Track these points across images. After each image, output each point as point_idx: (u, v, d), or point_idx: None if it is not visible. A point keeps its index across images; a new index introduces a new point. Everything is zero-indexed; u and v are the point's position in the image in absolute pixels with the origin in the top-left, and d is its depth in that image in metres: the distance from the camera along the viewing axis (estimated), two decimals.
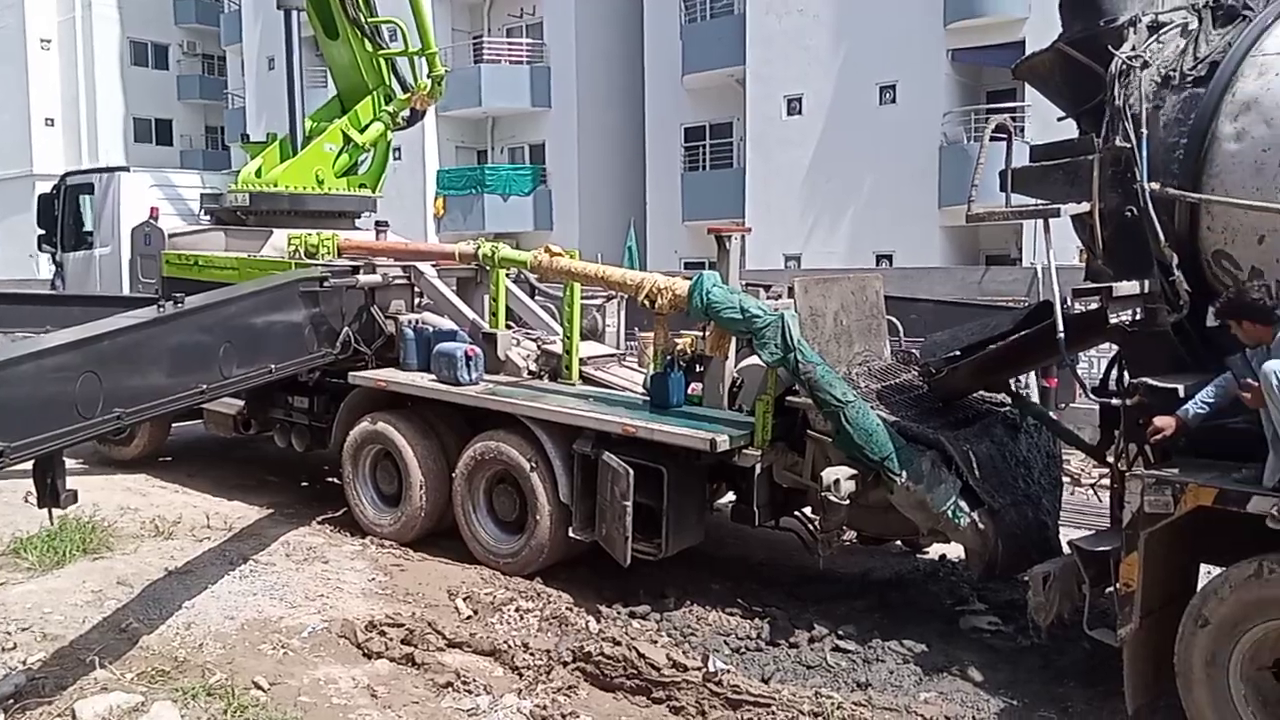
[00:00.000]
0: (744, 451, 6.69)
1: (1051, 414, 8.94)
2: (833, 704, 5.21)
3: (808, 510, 7.20)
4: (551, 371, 8.37)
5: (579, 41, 29.40)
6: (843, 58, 23.99)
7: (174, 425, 11.03)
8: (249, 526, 8.54)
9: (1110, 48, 5.37)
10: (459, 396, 7.85)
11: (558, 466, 7.16)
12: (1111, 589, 4.99)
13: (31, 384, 5.09)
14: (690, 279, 7.09)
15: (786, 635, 6.34)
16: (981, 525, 6.03)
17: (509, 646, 5.96)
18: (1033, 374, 9.62)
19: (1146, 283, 5.17)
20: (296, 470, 10.68)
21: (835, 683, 5.73)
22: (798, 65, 24.55)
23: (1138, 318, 5.25)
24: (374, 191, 11.84)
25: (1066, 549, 5.63)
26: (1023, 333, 6.37)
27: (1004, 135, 6.56)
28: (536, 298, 9.90)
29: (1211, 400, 4.73)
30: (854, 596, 7.11)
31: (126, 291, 10.78)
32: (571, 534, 7.12)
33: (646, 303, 7.34)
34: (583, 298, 8.32)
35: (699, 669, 5.54)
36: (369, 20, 11.22)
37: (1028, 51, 6.45)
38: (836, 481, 6.20)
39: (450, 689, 5.53)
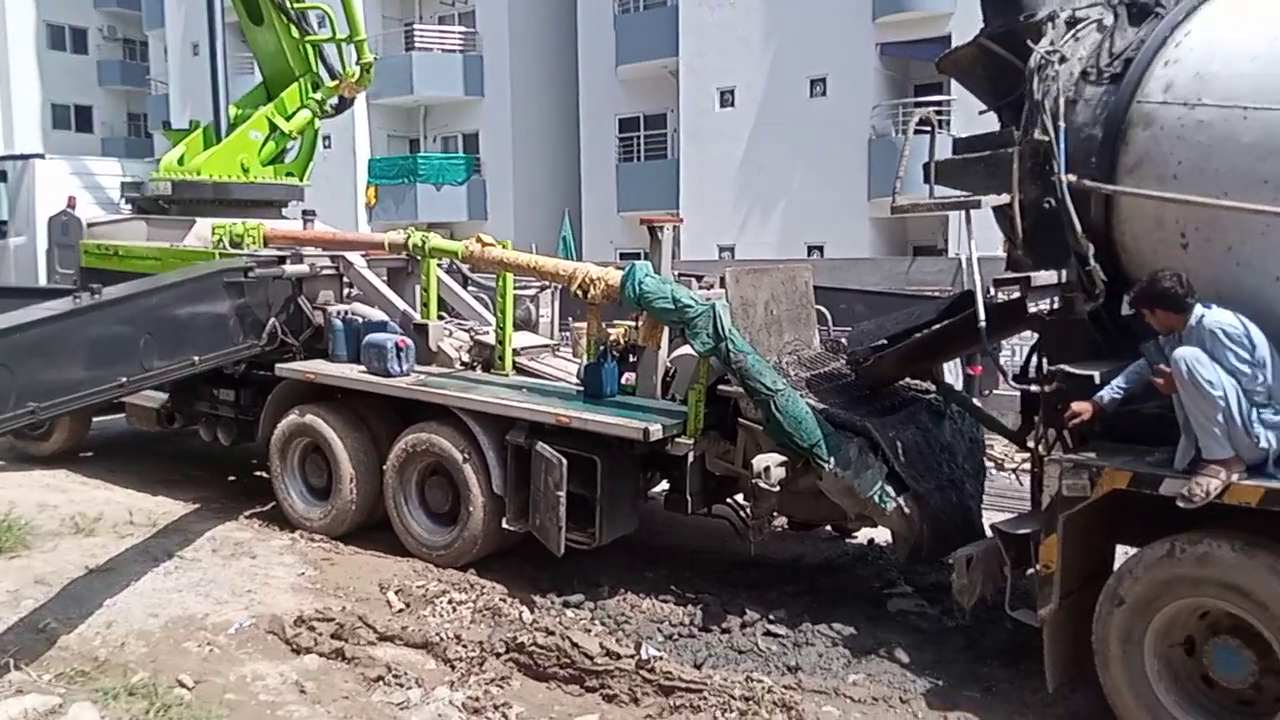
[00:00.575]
0: (677, 440, 6.72)
1: (975, 400, 9.16)
2: (763, 688, 5.28)
3: (740, 497, 7.26)
4: (484, 362, 8.31)
5: (512, 30, 29.18)
6: (774, 50, 24.18)
7: (95, 419, 10.72)
8: (174, 522, 8.34)
9: (1029, 42, 5.46)
10: (390, 388, 7.76)
11: (491, 458, 7.12)
12: (1032, 570, 5.13)
13: None
14: (623, 269, 7.10)
15: (719, 621, 6.40)
16: (907, 510, 6.15)
17: (441, 639, 5.92)
18: (958, 361, 9.81)
19: (1064, 272, 5.29)
20: (223, 465, 10.46)
21: (766, 667, 5.81)
22: (730, 57, 24.68)
23: (1056, 306, 5.38)
24: (301, 180, 11.61)
25: (989, 532, 5.78)
26: (946, 322, 6.51)
27: (928, 128, 6.70)
28: (469, 288, 9.83)
29: (1126, 386, 4.88)
30: (785, 582, 7.20)
31: (43, 283, 10.43)
32: (505, 525, 7.09)
33: (579, 293, 7.33)
34: (516, 288, 8.28)
35: (632, 657, 5.56)
36: (295, 6, 10.98)
37: (954, 46, 6.56)
38: (767, 469, 6.28)
39: (381, 683, 5.48)
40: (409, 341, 7.98)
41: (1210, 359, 4.38)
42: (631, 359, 7.63)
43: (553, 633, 5.79)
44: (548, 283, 8.75)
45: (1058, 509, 4.90)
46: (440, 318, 8.74)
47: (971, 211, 5.85)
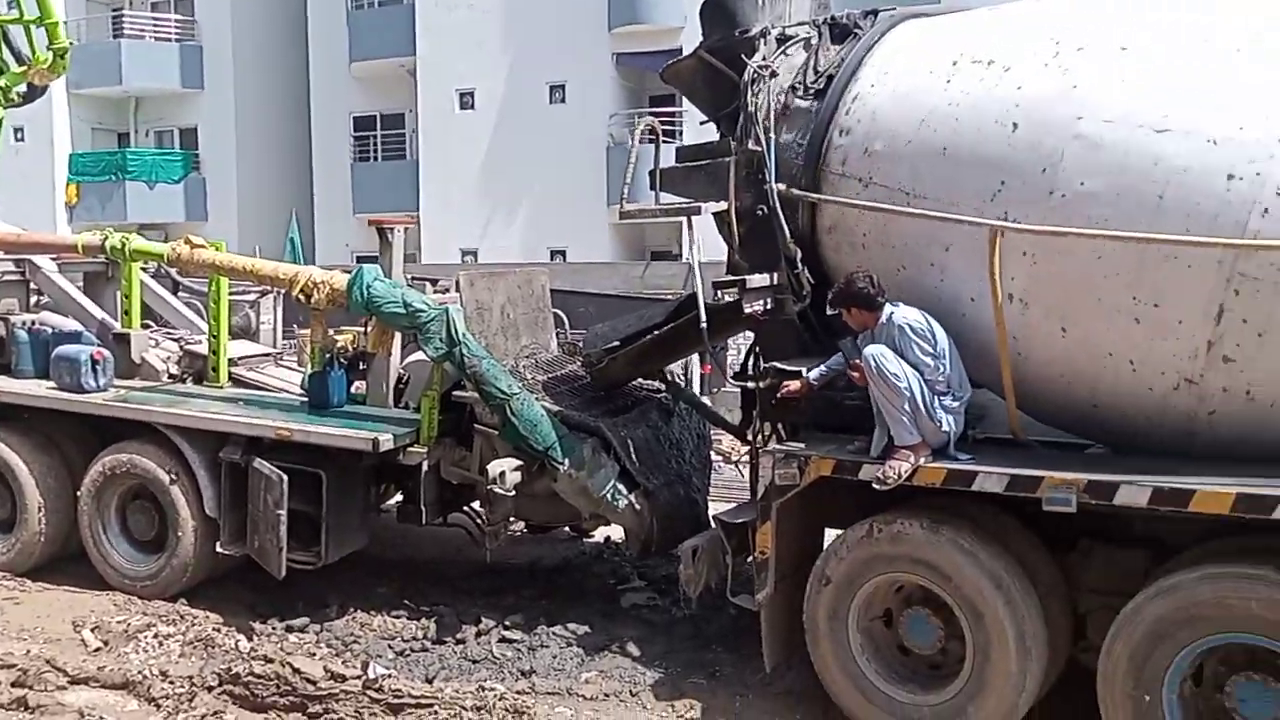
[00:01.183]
0: (409, 450, 6.54)
1: (705, 398, 9.56)
2: (495, 695, 5.23)
3: (476, 505, 7.17)
4: (197, 374, 7.74)
5: (236, 20, 27.38)
6: (514, 55, 24.17)
7: None
8: None
9: (744, 56, 5.74)
10: (83, 405, 7.05)
11: (202, 477, 6.61)
12: (751, 557, 5.38)
13: None
14: (351, 272, 6.83)
15: (453, 632, 6.28)
16: (638, 506, 6.30)
17: (145, 677, 5.43)
18: (696, 360, 10.17)
19: (775, 275, 5.59)
20: None
21: (500, 674, 5.76)
22: (469, 59, 24.41)
23: (769, 307, 5.67)
24: None
25: (714, 523, 6.01)
26: (674, 323, 6.72)
27: (654, 137, 6.91)
28: (180, 294, 9.10)
29: (827, 372, 5.22)
30: (522, 586, 7.18)
31: None
32: (220, 549, 6.61)
33: (302, 297, 6.95)
34: (235, 293, 7.76)
35: (359, 677, 5.34)
36: None
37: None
38: (502, 473, 6.25)
39: None
40: (106, 353, 7.28)
41: (896, 354, 4.76)
42: (361, 367, 7.36)
43: (272, 660, 5.45)
44: (269, 287, 8.26)
45: (771, 497, 5.16)
46: (146, 326, 8.05)
47: (695, 217, 6.11)
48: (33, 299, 8.21)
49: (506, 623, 6.34)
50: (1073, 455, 4.89)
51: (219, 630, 6.22)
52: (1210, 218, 4.12)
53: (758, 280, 5.60)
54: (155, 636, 6.04)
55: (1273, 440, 4.25)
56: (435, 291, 8.11)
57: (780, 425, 5.63)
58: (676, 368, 7.81)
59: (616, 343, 7.02)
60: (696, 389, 9.02)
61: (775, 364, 5.50)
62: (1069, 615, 4.83)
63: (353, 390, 7.29)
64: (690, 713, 5.34)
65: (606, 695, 5.45)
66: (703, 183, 5.98)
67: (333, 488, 6.43)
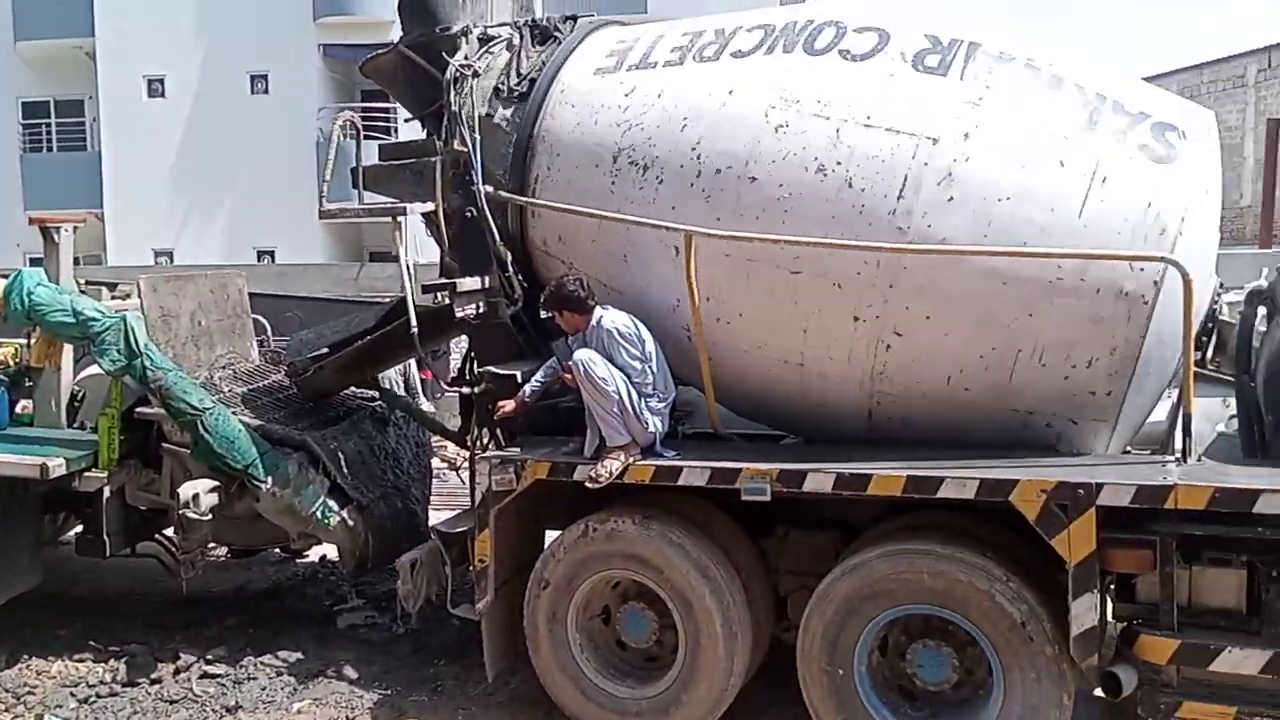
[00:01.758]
0: (87, 475, 5.94)
1: (428, 404, 9.32)
2: None
3: (170, 531, 6.60)
4: None
5: None
6: (209, 40, 22.55)
7: None
8: None
9: (445, 54, 5.62)
10: None
11: None
12: (471, 566, 5.29)
13: None
14: (7, 277, 6.07)
15: (147, 672, 5.76)
16: (351, 522, 6.04)
17: None
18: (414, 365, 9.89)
19: (487, 278, 5.53)
20: None
21: (203, 713, 5.35)
22: (159, 43, 22.51)
23: (481, 311, 5.61)
24: None
25: (433, 534, 5.86)
26: (385, 328, 6.48)
27: (354, 132, 6.62)
28: None
29: (544, 380, 5.21)
30: (227, 614, 6.71)
31: None
32: None
33: None
34: None
35: None
36: None
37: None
38: (196, 496, 5.80)
39: None
40: None
41: (605, 357, 4.84)
42: (27, 383, 6.59)
43: None
44: None
45: (489, 504, 5.10)
46: None
47: (407, 218, 5.91)
48: None
49: (209, 656, 5.90)
50: (769, 447, 5.19)
51: None
52: (867, 224, 4.47)
53: (469, 283, 5.51)
54: None
55: (933, 424, 4.69)
56: (113, 297, 7.41)
57: (498, 430, 5.58)
58: (395, 373, 7.55)
59: (324, 350, 6.69)
60: (421, 397, 8.77)
61: (490, 368, 5.45)
62: (771, 598, 5.11)
63: (18, 410, 6.51)
64: None
65: None
66: (409, 182, 5.81)
67: None
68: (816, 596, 4.62)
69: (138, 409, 6.10)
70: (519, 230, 5.53)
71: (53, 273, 6.41)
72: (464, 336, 6.19)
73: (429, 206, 5.62)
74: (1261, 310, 4.71)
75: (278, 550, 7.50)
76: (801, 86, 4.71)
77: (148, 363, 5.79)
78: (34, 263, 18.19)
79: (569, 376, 4.97)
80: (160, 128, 22.67)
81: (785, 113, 4.67)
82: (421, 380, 10.96)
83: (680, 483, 4.81)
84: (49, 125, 24.29)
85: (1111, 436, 4.57)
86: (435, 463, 8.23)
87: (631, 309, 5.00)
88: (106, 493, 6.06)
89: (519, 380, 5.28)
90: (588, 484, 4.84)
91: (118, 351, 5.79)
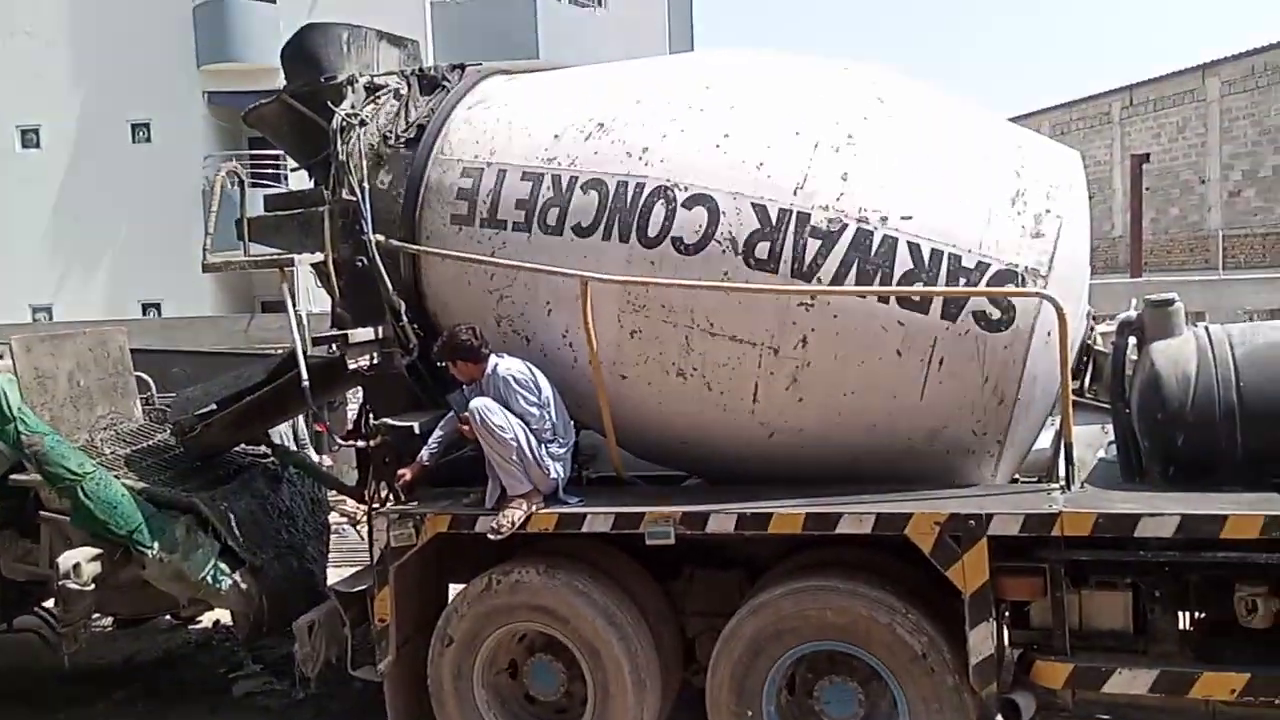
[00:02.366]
0: None
1: (324, 458, 9.07)
2: None
3: (50, 603, 6.25)
4: None
5: None
6: (87, 89, 21.82)
7: None
8: None
9: (331, 103, 5.55)
10: None
11: None
12: (372, 626, 5.13)
13: None
14: None
15: None
16: (244, 585, 5.81)
17: None
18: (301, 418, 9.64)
19: (381, 328, 5.44)
20: None
21: None
22: (32, 93, 21.68)
23: (375, 362, 5.50)
24: None
25: (331, 594, 5.68)
26: (276, 382, 6.31)
27: (238, 181, 6.48)
28: None
29: (443, 436, 5.13)
30: (115, 688, 6.39)
31: None
32: None
33: None
34: None
35: None
36: None
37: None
38: (77, 565, 5.54)
39: None
40: None
41: (502, 405, 4.79)
42: None
43: None
44: None
45: (388, 560, 4.98)
46: None
47: (297, 269, 5.77)
48: None
49: None
50: (673, 489, 5.20)
51: None
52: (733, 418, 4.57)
53: (362, 334, 5.41)
54: None
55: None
56: None
57: (396, 484, 5.45)
58: (284, 427, 7.33)
59: (212, 407, 6.47)
60: (311, 450, 8.54)
61: (387, 420, 5.34)
62: (679, 641, 5.10)
63: None
64: None
65: None
66: (297, 232, 5.69)
67: None
68: (723, 638, 4.62)
69: (12, 475, 5.82)
70: (412, 278, 5.46)
71: None
72: (360, 388, 6.08)
73: (318, 257, 5.51)
74: (1132, 340, 4.93)
75: (168, 618, 7.17)
76: (646, 289, 4.66)
77: (22, 427, 5.55)
78: None
79: (466, 428, 4.90)
80: (35, 178, 21.81)
81: (635, 318, 4.70)
82: (316, 433, 10.71)
83: (584, 529, 4.77)
84: None
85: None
86: (333, 518, 8.03)
87: (525, 353, 4.98)
88: None
89: (416, 431, 5.18)
90: (490, 535, 4.77)
91: None
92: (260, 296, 22.93)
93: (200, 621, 7.41)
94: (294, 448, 7.33)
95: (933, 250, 4.40)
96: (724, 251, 4.55)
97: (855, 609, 4.40)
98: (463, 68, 5.74)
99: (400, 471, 5.07)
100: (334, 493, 7.42)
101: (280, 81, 6.06)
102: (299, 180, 9.03)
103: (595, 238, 4.78)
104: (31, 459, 5.56)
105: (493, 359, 4.91)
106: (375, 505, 5.41)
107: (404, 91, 5.71)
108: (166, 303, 21.24)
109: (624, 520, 4.68)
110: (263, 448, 6.86)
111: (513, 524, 4.74)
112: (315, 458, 7.97)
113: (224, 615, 7.01)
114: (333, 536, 7.28)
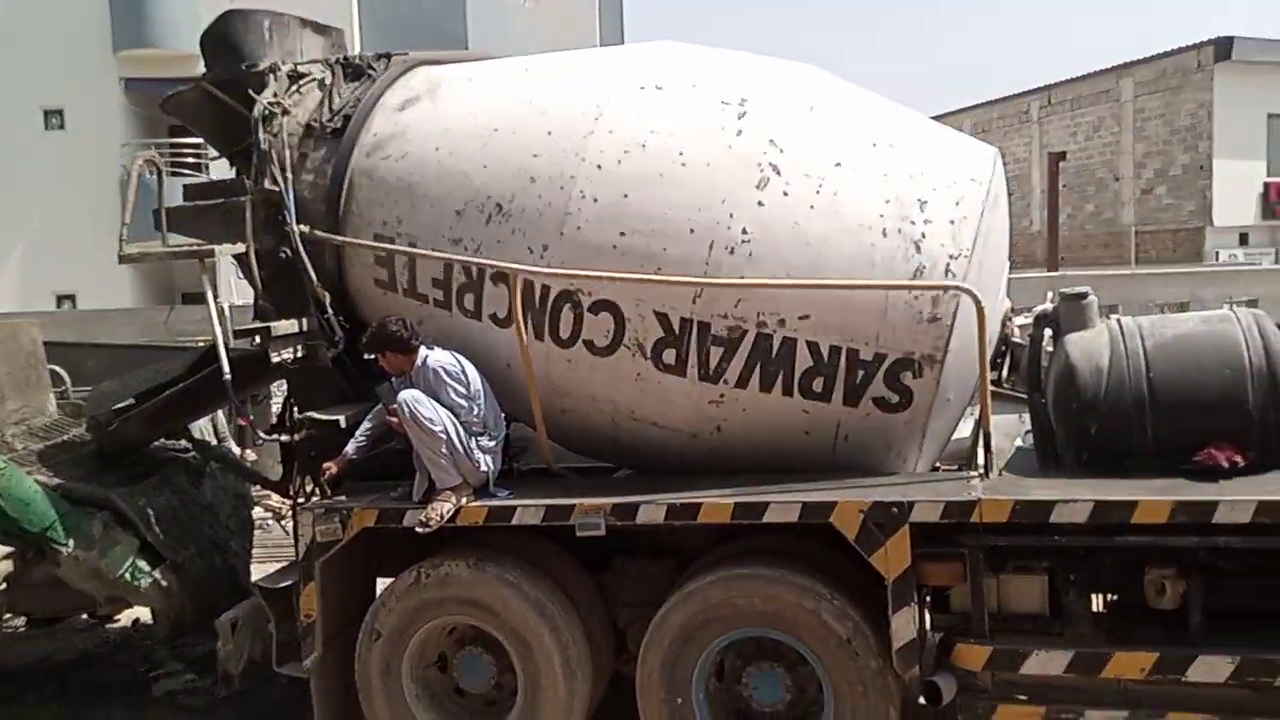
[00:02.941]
0: None
1: (249, 452, 8.90)
2: None
3: None
4: None
5: None
6: None
7: None
8: None
9: (253, 92, 5.43)
10: None
11: None
12: (298, 622, 5.06)
13: None
14: None
15: None
16: (165, 582, 5.71)
17: None
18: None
19: (305, 321, 5.34)
20: None
21: None
22: None
23: (300, 355, 5.41)
24: None
25: (255, 590, 5.58)
26: (197, 376, 6.16)
27: (154, 169, 6.31)
28: None
29: (370, 429, 5.06)
30: (27, 690, 6.21)
31: None
32: None
33: None
34: None
35: None
36: None
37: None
38: None
39: None
40: None
41: (431, 397, 4.75)
42: None
43: None
44: None
45: (314, 556, 4.92)
46: None
47: (218, 260, 5.64)
48: None
49: None
50: (603, 480, 5.21)
51: None
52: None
53: (285, 326, 5.31)
54: None
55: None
56: None
57: (321, 478, 5.37)
58: (204, 422, 7.17)
59: (130, 401, 6.30)
60: (233, 444, 8.36)
61: (312, 414, 5.26)
62: (610, 632, 5.12)
63: None
64: None
65: None
66: (218, 223, 5.55)
67: None
68: (653, 627, 4.65)
69: None
70: (337, 269, 5.39)
71: None
72: (284, 381, 5.96)
73: (240, 248, 5.39)
74: (1048, 332, 5.08)
75: (85, 616, 6.98)
76: (568, 382, 4.83)
77: None
78: None
79: (395, 420, 4.85)
80: None
81: (564, 400, 4.86)
82: (240, 428, 10.49)
83: (515, 522, 4.76)
84: None
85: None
86: (258, 513, 7.89)
87: (454, 344, 4.95)
88: None
89: (342, 424, 5.12)
90: (418, 529, 4.73)
91: None
92: (180, 288, 22.32)
93: (119, 620, 7.24)
94: (214, 442, 7.18)
95: (831, 348, 4.51)
96: (634, 356, 4.67)
97: (782, 596, 4.46)
98: (389, 56, 5.67)
99: (325, 465, 5.00)
100: (258, 488, 7.29)
101: (200, 68, 5.91)
102: (220, 169, 8.83)
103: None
104: None
105: (422, 350, 4.87)
106: (300, 500, 5.33)
107: (328, 80, 5.62)
108: (82, 294, 20.54)
109: (555, 512, 4.68)
110: (183, 443, 6.72)
111: (441, 517, 4.71)
112: (237, 452, 7.81)
113: (144, 613, 6.85)
114: (257, 532, 7.14)
